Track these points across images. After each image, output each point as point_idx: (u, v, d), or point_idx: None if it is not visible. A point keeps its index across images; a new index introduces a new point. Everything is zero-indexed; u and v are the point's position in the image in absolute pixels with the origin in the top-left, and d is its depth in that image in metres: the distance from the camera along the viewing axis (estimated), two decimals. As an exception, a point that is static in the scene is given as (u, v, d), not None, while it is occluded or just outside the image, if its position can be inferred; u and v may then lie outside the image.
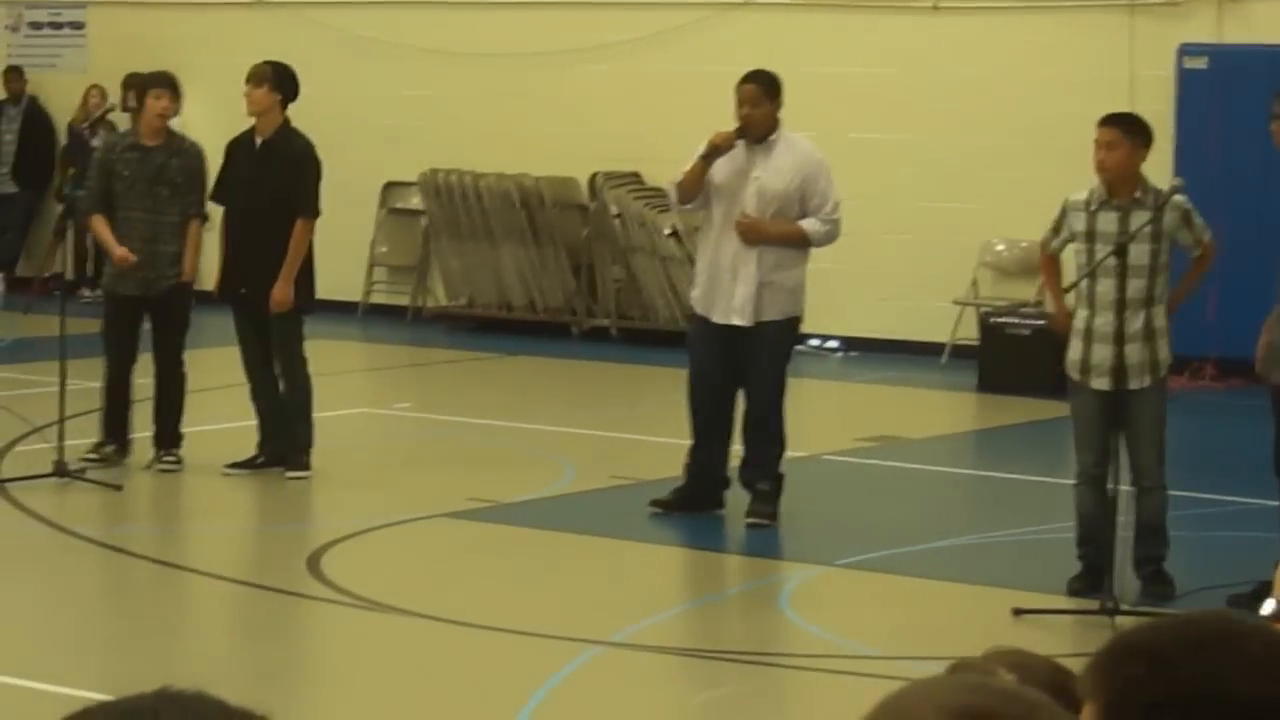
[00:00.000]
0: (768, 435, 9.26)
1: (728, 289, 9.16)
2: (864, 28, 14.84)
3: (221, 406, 11.23)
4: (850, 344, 14.94)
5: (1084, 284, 8.04)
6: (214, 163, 10.40)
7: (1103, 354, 7.96)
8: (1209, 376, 13.31)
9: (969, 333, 14.19)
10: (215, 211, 10.47)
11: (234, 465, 10.13)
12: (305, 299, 10.12)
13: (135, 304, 10.15)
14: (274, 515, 9.71)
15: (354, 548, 8.81)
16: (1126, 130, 8.03)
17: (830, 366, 14.62)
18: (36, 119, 17.74)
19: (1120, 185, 8.02)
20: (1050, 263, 8.41)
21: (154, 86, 10.21)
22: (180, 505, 10.10)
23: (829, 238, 9.33)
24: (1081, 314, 8.08)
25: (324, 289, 10.43)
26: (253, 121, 10.11)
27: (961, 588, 8.29)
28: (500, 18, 16.11)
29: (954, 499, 10.58)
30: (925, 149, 14.57)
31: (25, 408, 11.37)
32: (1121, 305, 7.85)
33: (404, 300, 16.59)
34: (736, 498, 9.36)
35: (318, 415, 10.26)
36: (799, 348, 14.78)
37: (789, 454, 9.48)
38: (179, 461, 10.21)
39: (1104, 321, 7.96)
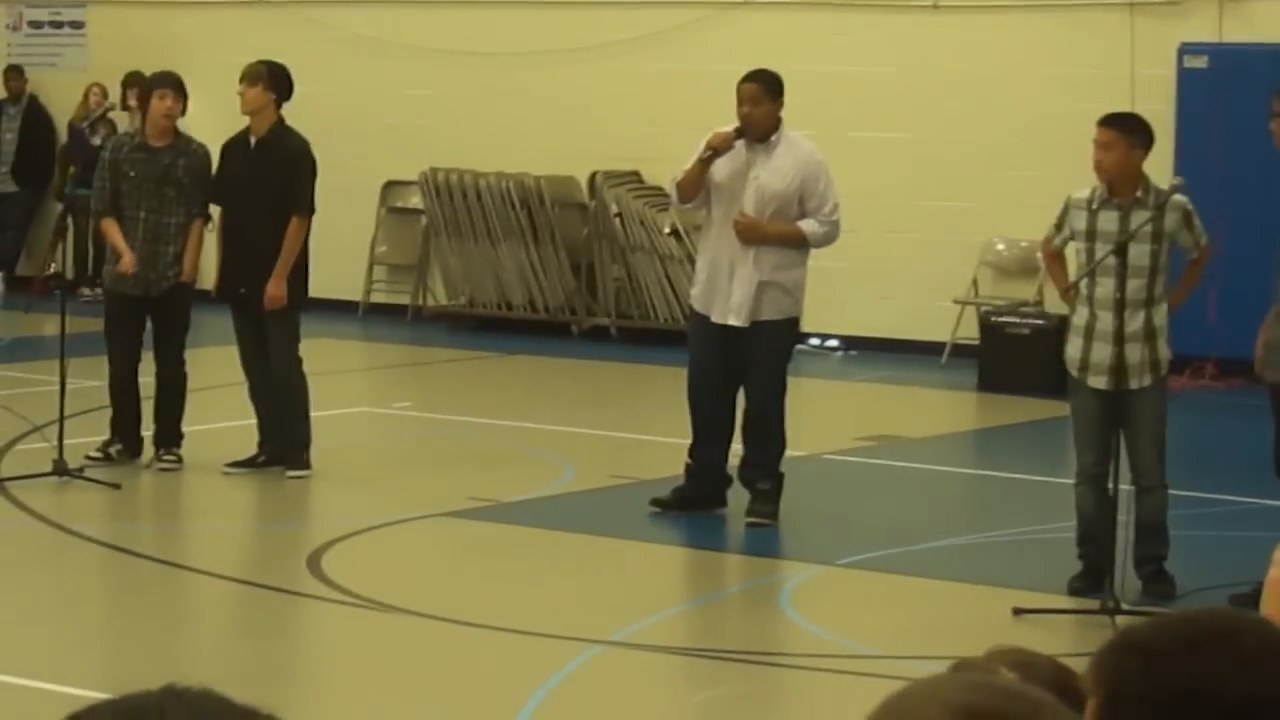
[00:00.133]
0: (768, 435, 9.26)
1: (726, 288, 9.16)
2: (864, 26, 14.84)
3: (221, 405, 11.23)
4: (850, 343, 14.95)
5: (1085, 284, 8.04)
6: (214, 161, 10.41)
7: (1102, 353, 7.96)
8: (1209, 376, 13.31)
9: (969, 332, 14.19)
10: (215, 212, 10.47)
11: (234, 464, 10.14)
12: (305, 294, 10.12)
13: (136, 303, 10.15)
14: (274, 514, 9.71)
15: (354, 547, 8.81)
16: (1123, 130, 8.02)
17: (830, 365, 14.62)
18: (36, 118, 17.74)
19: (1121, 185, 8.02)
20: (1054, 257, 8.40)
21: (159, 87, 10.22)
22: (180, 504, 10.11)
23: (827, 239, 9.32)
24: (1081, 313, 8.08)
25: (324, 288, 10.45)
26: (249, 121, 10.13)
27: (962, 587, 8.29)
28: (500, 17, 16.10)
29: (954, 498, 10.58)
30: (925, 148, 14.57)
31: (25, 407, 11.37)
32: (1121, 305, 7.85)
33: (404, 299, 16.59)
34: (735, 496, 9.36)
35: (317, 414, 10.26)
36: (799, 347, 14.84)
37: (789, 453, 9.48)
38: (179, 460, 10.21)
39: (1104, 321, 7.96)
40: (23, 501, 9.43)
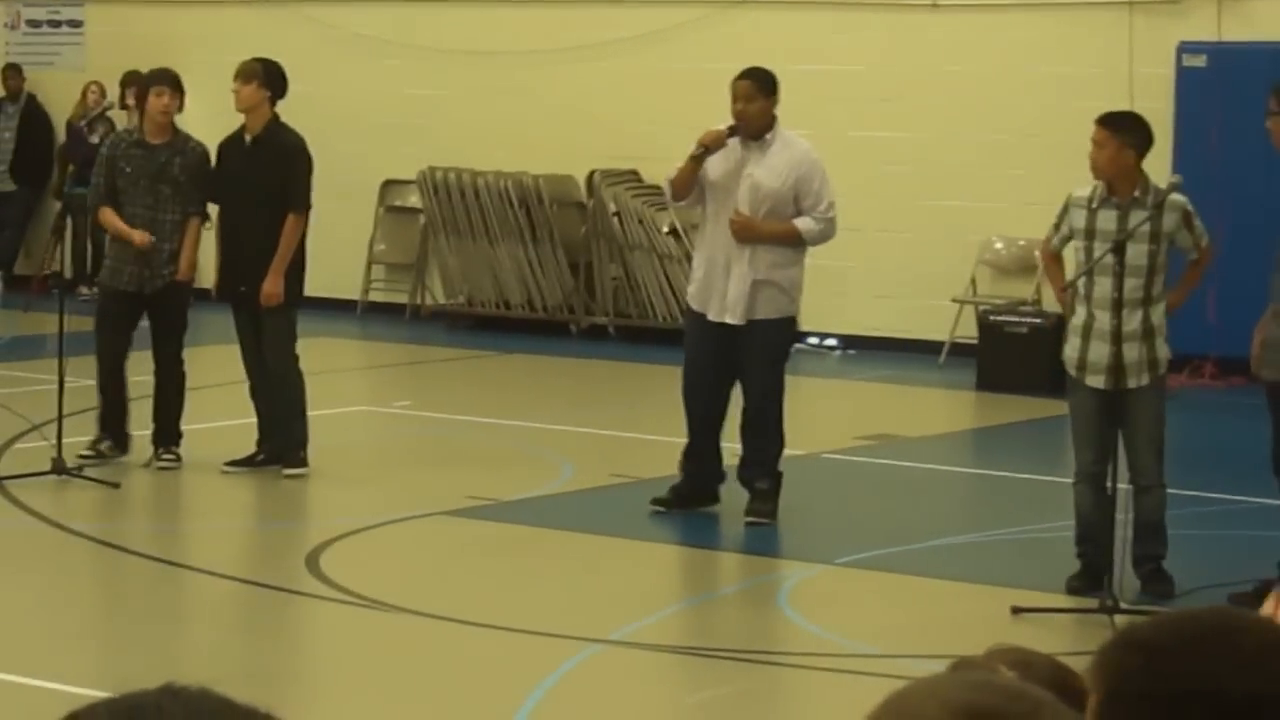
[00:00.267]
0: (766, 434, 9.26)
1: (722, 286, 9.17)
2: (863, 25, 14.84)
3: (220, 404, 11.23)
4: (849, 342, 14.95)
5: (1083, 283, 8.03)
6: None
7: (1100, 352, 7.96)
8: (1208, 375, 13.32)
9: (968, 331, 14.19)
10: (211, 211, 10.47)
11: (233, 463, 10.14)
12: (295, 294, 10.12)
13: (131, 300, 10.15)
14: (273, 513, 9.71)
15: (353, 546, 8.81)
16: (1115, 129, 8.03)
17: (829, 365, 14.62)
18: (35, 117, 17.74)
19: (1118, 183, 8.02)
20: (1052, 257, 8.39)
21: (156, 84, 10.22)
22: (179, 503, 10.10)
23: (823, 236, 9.32)
24: (1079, 312, 8.08)
25: (322, 287, 10.45)
26: (244, 119, 10.14)
27: (960, 586, 8.29)
28: (499, 16, 16.10)
29: (953, 497, 10.58)
30: (924, 147, 14.57)
31: (24, 405, 11.36)
32: (1119, 304, 7.85)
33: (402, 298, 16.60)
34: (734, 495, 9.36)
35: (316, 413, 10.26)
36: (798, 346, 14.85)
37: (788, 452, 9.48)
38: (178, 459, 10.21)
39: (1101, 320, 7.96)
40: (21, 500, 9.42)
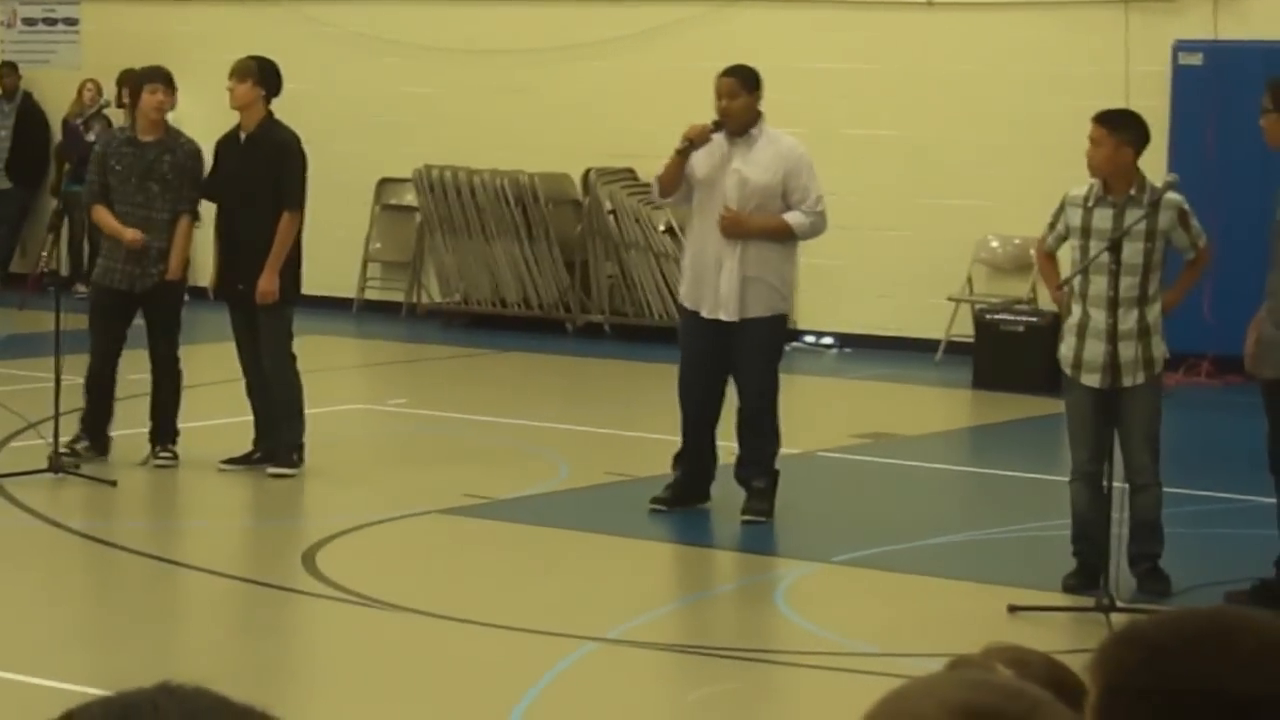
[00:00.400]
0: (762, 433, 9.27)
1: (713, 283, 9.18)
2: (859, 24, 14.85)
3: (217, 402, 11.22)
4: (845, 340, 14.96)
5: (1079, 281, 8.03)
6: (207, 158, 10.41)
7: (1095, 351, 7.96)
8: (1204, 373, 13.33)
9: (964, 329, 14.20)
10: (208, 210, 10.46)
11: (230, 461, 10.13)
12: (297, 290, 10.12)
13: (122, 298, 10.13)
14: (269, 511, 9.70)
15: (349, 544, 8.81)
16: (1111, 127, 8.03)
17: (825, 363, 14.62)
18: (31, 115, 17.73)
19: (1115, 182, 8.02)
20: (1047, 259, 8.39)
21: (149, 81, 10.22)
22: (176, 501, 10.10)
23: (814, 230, 9.34)
24: (1075, 311, 8.07)
25: (318, 285, 10.44)
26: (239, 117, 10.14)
27: (957, 584, 8.29)
28: (495, 14, 16.10)
29: (949, 496, 10.58)
30: (920, 145, 14.57)
31: (20, 403, 11.37)
32: (1115, 302, 7.85)
33: (398, 296, 16.60)
34: (730, 494, 9.36)
35: (312, 411, 10.25)
36: (795, 344, 14.86)
37: (784, 451, 9.48)
38: (175, 457, 10.21)
39: (1097, 319, 7.95)
40: (18, 498, 9.42)
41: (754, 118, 9.22)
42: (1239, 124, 12.36)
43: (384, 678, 6.89)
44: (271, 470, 9.96)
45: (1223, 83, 13.23)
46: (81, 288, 15.55)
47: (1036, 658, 2.50)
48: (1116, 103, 9.64)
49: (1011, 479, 10.72)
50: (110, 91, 15.99)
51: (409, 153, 16.14)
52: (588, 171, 15.57)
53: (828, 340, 15.03)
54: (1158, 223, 7.99)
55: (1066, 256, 8.35)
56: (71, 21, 17.94)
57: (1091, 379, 7.98)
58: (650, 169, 14.85)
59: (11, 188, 17.72)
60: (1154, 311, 8.03)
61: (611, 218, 15.41)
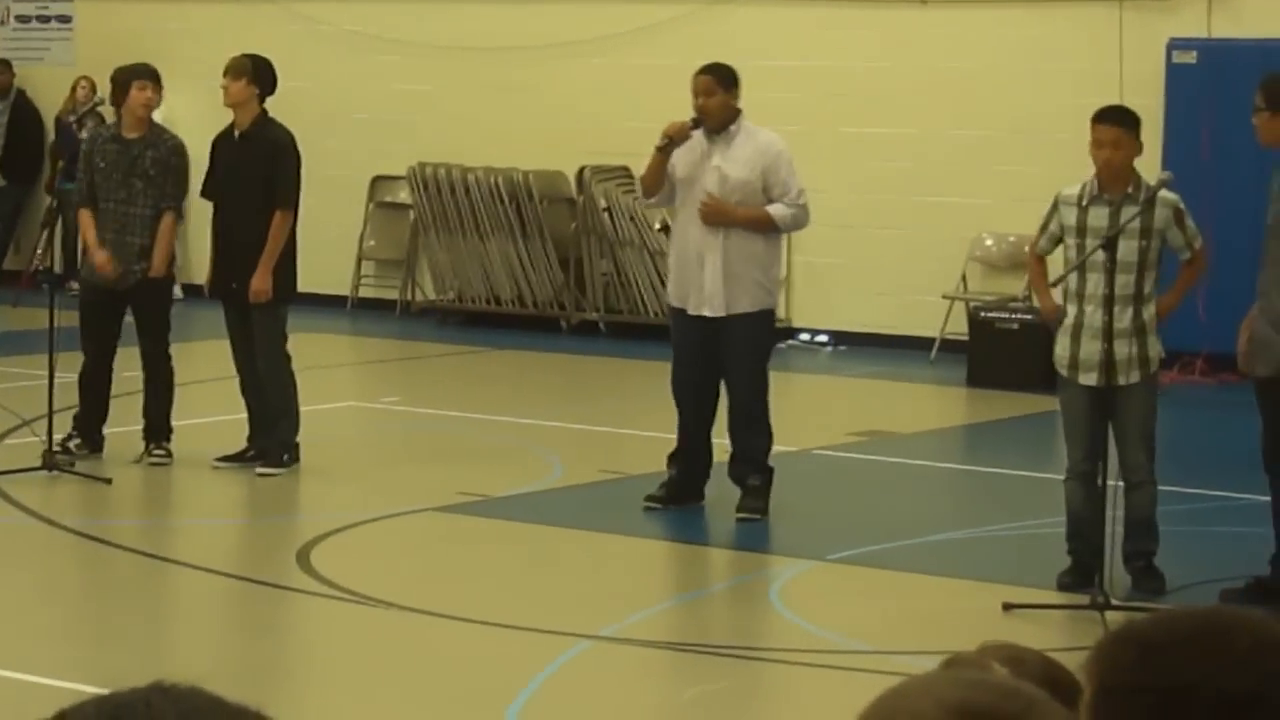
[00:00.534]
0: (754, 430, 9.27)
1: (697, 280, 9.21)
2: (853, 22, 14.84)
3: (212, 400, 11.22)
4: (840, 338, 14.96)
5: (1074, 280, 8.03)
6: (203, 156, 10.41)
7: (1091, 349, 7.96)
8: (1199, 371, 13.33)
9: (958, 327, 14.20)
10: (203, 208, 10.45)
11: (224, 459, 10.13)
12: (289, 290, 10.10)
13: (109, 296, 10.12)
14: (263, 509, 9.70)
15: (343, 541, 8.80)
16: (1128, 127, 8.06)
17: (820, 361, 14.63)
18: (24, 112, 17.71)
19: (1114, 180, 8.02)
20: (1038, 262, 8.38)
21: (138, 78, 10.21)
22: (170, 498, 10.09)
23: (796, 223, 9.36)
24: (1070, 310, 8.07)
25: (312, 283, 10.43)
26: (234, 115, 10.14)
27: (952, 582, 8.29)
28: (488, 11, 16.09)
29: (944, 493, 10.59)
30: (914, 143, 14.57)
31: (14, 401, 11.36)
32: (1110, 301, 7.84)
33: (392, 294, 16.59)
34: (725, 491, 9.36)
35: (306, 409, 10.24)
36: (790, 342, 14.86)
37: (779, 449, 9.48)
38: (169, 455, 10.20)
39: (1093, 317, 7.95)
40: (12, 496, 9.41)
41: (732, 115, 9.25)
42: (1233, 122, 12.36)
43: (379, 675, 6.89)
44: (260, 469, 9.96)
45: (1216, 81, 13.23)
46: (75, 285, 15.55)
47: (1031, 656, 2.50)
48: (1110, 101, 9.62)
49: (1006, 477, 10.72)
50: (105, 89, 16.02)
51: (403, 150, 16.13)
52: (582, 169, 15.57)
53: (822, 338, 15.03)
54: (1153, 220, 7.99)
55: (1059, 259, 8.34)
56: (65, 19, 17.92)
57: (1088, 378, 7.98)
58: (644, 167, 14.87)
59: (5, 185, 17.70)
60: (1150, 310, 8.03)
61: (606, 215, 15.41)
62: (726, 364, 9.23)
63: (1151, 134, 9.52)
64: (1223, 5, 13.78)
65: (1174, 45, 13.74)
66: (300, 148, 10.10)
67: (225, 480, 10.00)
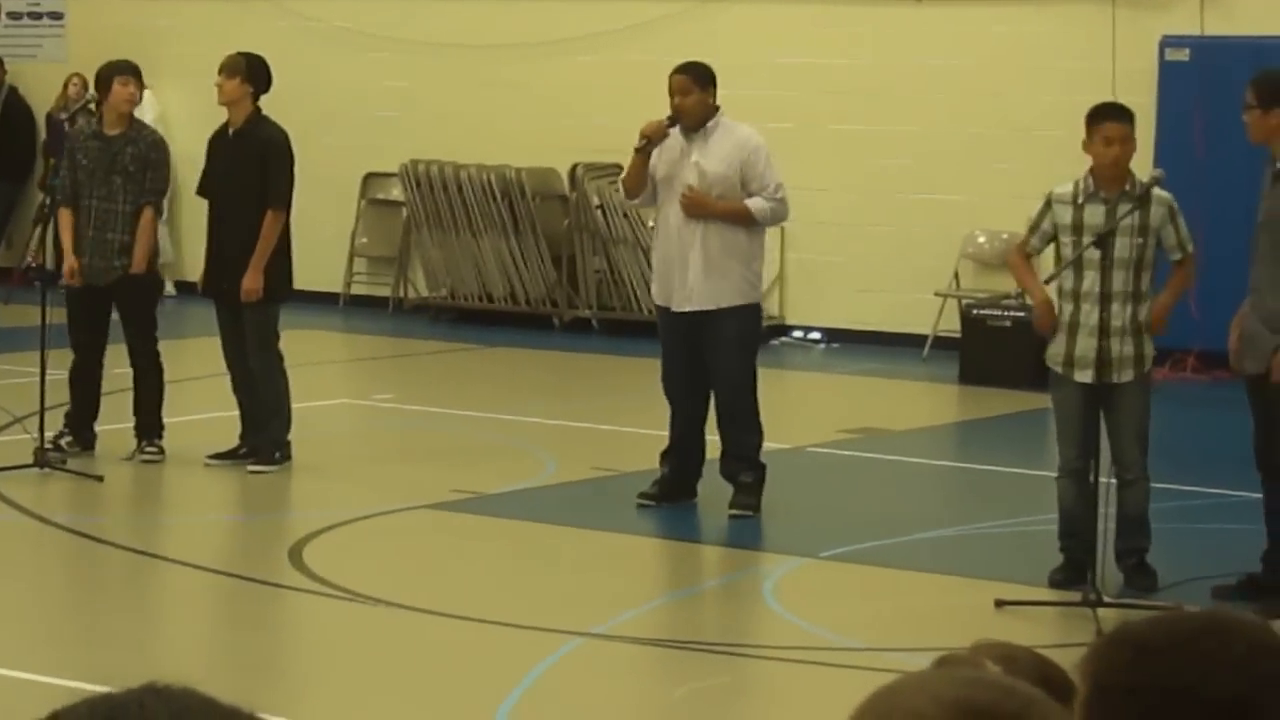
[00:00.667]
0: (743, 425, 9.28)
1: (680, 276, 9.23)
2: (846, 19, 14.84)
3: (204, 397, 11.21)
4: (832, 335, 14.96)
5: (1069, 278, 8.02)
6: (194, 153, 10.40)
7: (1086, 346, 7.95)
8: (1190, 368, 13.34)
9: (951, 324, 14.21)
10: (198, 206, 10.44)
11: (216, 456, 10.12)
12: (281, 289, 10.09)
13: (91, 293, 10.10)
14: (256, 506, 9.69)
15: (336, 539, 8.79)
16: (1131, 124, 8.08)
17: (812, 358, 14.63)
18: (16, 109, 17.68)
19: (1111, 179, 8.02)
20: (1024, 261, 8.32)
21: (121, 74, 10.19)
22: (162, 496, 10.08)
23: (775, 217, 9.38)
24: (1065, 308, 8.06)
25: (305, 280, 10.42)
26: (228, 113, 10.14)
27: (944, 579, 8.29)
28: (481, 9, 16.08)
29: (937, 490, 10.59)
30: (907, 141, 14.58)
31: (5, 398, 11.34)
32: (1106, 298, 7.85)
33: (385, 291, 16.58)
34: (717, 488, 9.35)
35: (298, 406, 10.22)
36: (782, 339, 14.86)
37: (771, 446, 9.48)
38: (161, 452, 10.19)
39: (1088, 314, 7.95)
40: (3, 493, 9.40)
41: (710, 112, 9.28)
42: (1225, 120, 12.36)
43: (371, 673, 6.88)
44: (251, 467, 9.95)
45: (1209, 79, 13.23)
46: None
47: (1024, 654, 2.50)
48: (1103, 99, 9.62)
49: (998, 473, 10.73)
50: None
51: (395, 147, 16.12)
52: (575, 166, 15.56)
53: (815, 335, 15.03)
54: (1149, 218, 7.99)
55: (1048, 259, 8.33)
56: (57, 16, 17.90)
57: (1084, 375, 7.97)
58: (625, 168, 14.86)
59: (-3, 182, 17.67)
60: (1146, 309, 8.03)
61: (599, 212, 15.41)
62: (713, 359, 9.24)
63: (1144, 132, 9.53)
64: (1215, 3, 13.79)
65: (1167, 43, 13.74)
66: (294, 146, 10.09)
67: (217, 478, 9.99)
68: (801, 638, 7.49)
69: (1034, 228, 8.18)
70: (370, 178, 16.59)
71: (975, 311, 13.73)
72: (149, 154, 10.12)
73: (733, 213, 9.20)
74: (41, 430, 9.82)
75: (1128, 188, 8.02)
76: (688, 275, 9.21)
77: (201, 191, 10.31)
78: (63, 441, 10.14)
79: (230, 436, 10.17)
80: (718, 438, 9.39)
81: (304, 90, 15.23)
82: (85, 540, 8.77)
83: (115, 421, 10.37)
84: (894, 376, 13.65)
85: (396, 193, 16.45)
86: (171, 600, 8.19)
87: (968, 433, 12.42)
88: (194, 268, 10.83)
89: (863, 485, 10.38)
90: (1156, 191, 8.01)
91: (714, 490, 9.37)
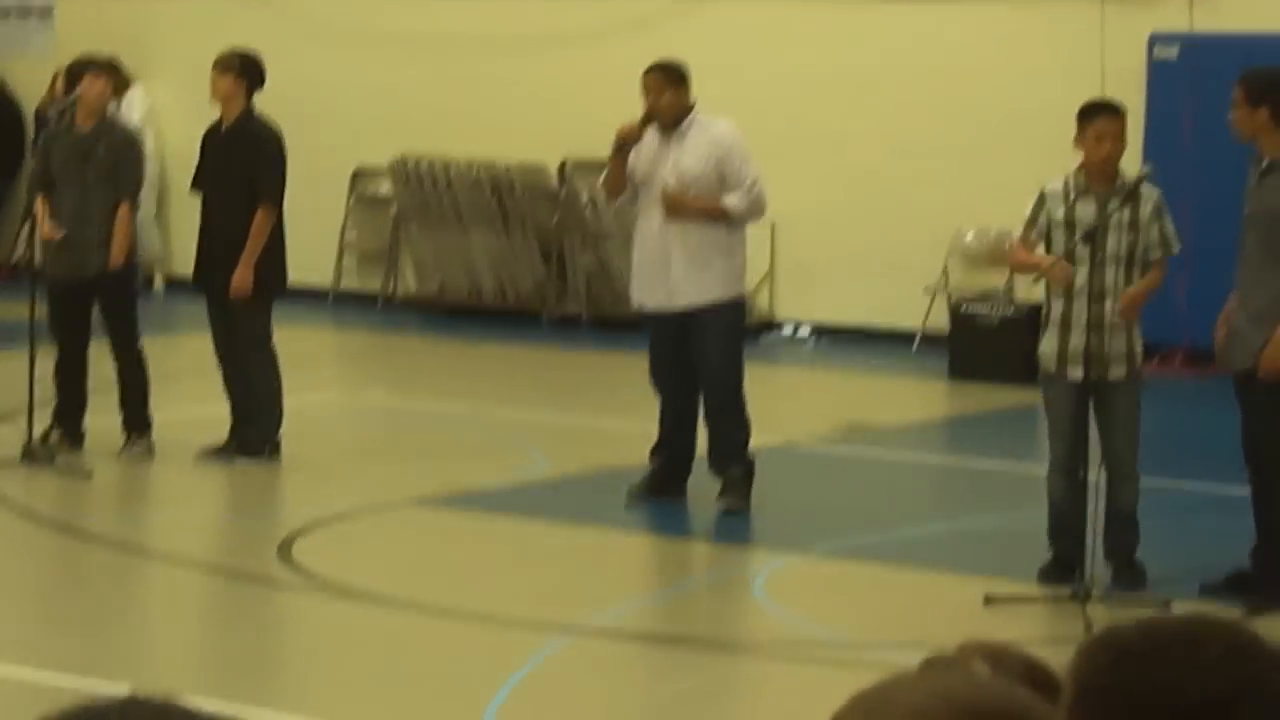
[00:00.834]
0: (730, 420, 9.28)
1: (663, 275, 9.24)
2: (835, 17, 14.84)
3: (194, 393, 11.19)
4: (822, 331, 14.97)
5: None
6: (183, 149, 10.39)
7: (1079, 342, 7.95)
8: (1179, 364, 13.36)
9: (940, 321, 14.22)
10: (191, 201, 10.42)
11: (206, 452, 10.10)
12: (274, 285, 10.08)
13: (71, 289, 10.08)
14: (245, 502, 9.68)
15: (325, 535, 8.79)
16: (1124, 121, 8.10)
17: (802, 354, 14.64)
18: (4, 106, 17.65)
19: (1103, 175, 8.03)
20: (1026, 249, 8.26)
21: (92, 69, 10.17)
22: (151, 492, 10.07)
23: (751, 213, 9.38)
24: (1057, 304, 8.06)
25: (293, 275, 10.39)
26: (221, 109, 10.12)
27: (934, 575, 8.30)
28: (471, 4, 16.07)
29: (926, 486, 10.60)
30: (896, 138, 14.58)
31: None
32: (1099, 294, 7.85)
33: (374, 287, 16.57)
34: (707, 484, 9.36)
35: (287, 401, 10.21)
36: (771, 335, 14.86)
37: (761, 442, 9.48)
38: (150, 447, 10.17)
39: (1080, 310, 7.94)
40: (-8, 490, 9.39)
41: (684, 110, 9.28)
42: (1214, 117, 12.35)
43: (360, 669, 6.88)
44: (240, 461, 9.94)
45: (1198, 76, 13.24)
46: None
47: (1013, 654, 2.50)
48: (1092, 95, 9.63)
49: (987, 470, 10.74)
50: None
51: (384, 143, 16.11)
52: (564, 162, 15.56)
53: (804, 331, 15.04)
54: (1139, 214, 8.00)
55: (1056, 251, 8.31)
56: (45, 12, 17.86)
57: (1077, 371, 7.97)
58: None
59: (-14, 178, 17.64)
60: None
61: (588, 208, 15.40)
62: (700, 355, 9.24)
63: (1133, 129, 9.52)
64: (1204, 0, 13.79)
65: (1155, 40, 13.75)
66: (285, 145, 10.08)
67: (206, 474, 9.98)
68: (791, 633, 7.50)
69: (1031, 221, 8.17)
70: (359, 173, 16.58)
71: (964, 308, 13.74)
72: (122, 149, 10.10)
73: (710, 209, 9.21)
74: (30, 426, 9.81)
75: (1118, 184, 8.02)
76: (671, 273, 9.21)
77: (195, 187, 10.31)
78: (51, 437, 10.12)
79: (219, 432, 10.16)
80: (706, 433, 9.39)
81: (293, 85, 15.19)
82: (73, 536, 8.76)
83: (104, 417, 10.36)
84: (883, 372, 13.67)
85: (386, 188, 16.44)
86: (160, 596, 8.19)
87: (957, 429, 12.44)
88: (184, 263, 10.82)
89: (852, 481, 10.39)
90: (1144, 187, 8.02)
91: (704, 486, 9.37)
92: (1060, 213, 8.04)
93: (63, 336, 10.16)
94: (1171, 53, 13.65)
